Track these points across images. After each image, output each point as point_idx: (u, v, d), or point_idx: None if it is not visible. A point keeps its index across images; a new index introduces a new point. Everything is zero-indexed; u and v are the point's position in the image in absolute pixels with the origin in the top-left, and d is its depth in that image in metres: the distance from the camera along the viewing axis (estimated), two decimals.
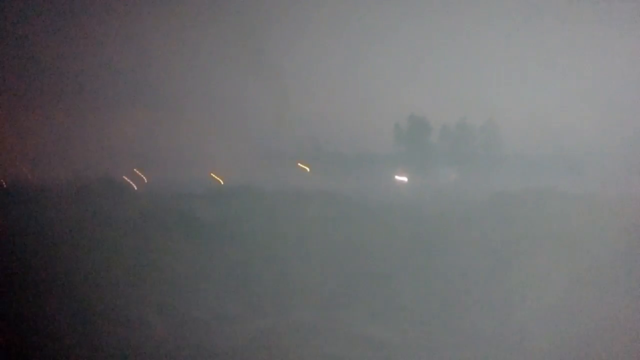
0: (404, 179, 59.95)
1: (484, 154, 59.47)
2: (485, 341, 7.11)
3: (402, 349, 7.02)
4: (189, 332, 7.74)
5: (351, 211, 26.26)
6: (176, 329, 7.89)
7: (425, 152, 60.49)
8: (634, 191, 26.46)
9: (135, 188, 37.61)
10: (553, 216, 22.10)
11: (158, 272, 11.74)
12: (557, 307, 8.65)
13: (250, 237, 16.91)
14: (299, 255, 14.38)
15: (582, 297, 9.24)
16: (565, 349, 6.81)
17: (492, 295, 9.71)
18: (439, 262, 12.77)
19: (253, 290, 10.15)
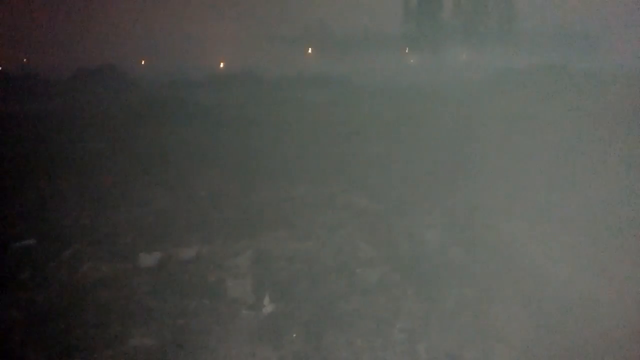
0: (413, 59, 58.05)
1: (497, 30, 56.66)
2: (471, 220, 7.39)
3: (386, 216, 7.44)
4: (192, 207, 8.22)
5: (358, 94, 26.01)
6: (179, 204, 8.36)
7: (436, 30, 57.80)
8: None
9: (133, 76, 37.22)
10: (568, 93, 21.71)
11: (161, 157, 12.10)
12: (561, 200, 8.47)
13: (253, 122, 17.05)
14: (305, 136, 14.57)
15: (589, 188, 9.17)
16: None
17: (493, 171, 9.88)
18: (445, 143, 12.91)
19: (254, 171, 10.51)
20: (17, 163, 11.34)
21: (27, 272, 6.03)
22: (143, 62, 58.04)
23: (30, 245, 6.88)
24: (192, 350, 4.27)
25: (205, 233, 6.87)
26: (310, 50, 64.36)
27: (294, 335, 4.44)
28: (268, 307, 4.91)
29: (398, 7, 60.30)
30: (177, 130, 14.77)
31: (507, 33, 56.40)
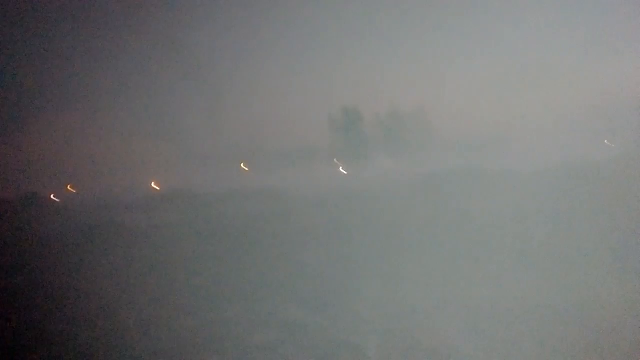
0: (342, 170, 60.71)
1: (416, 140, 61.35)
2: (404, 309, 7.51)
3: (326, 329, 7.36)
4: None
5: (293, 205, 26.44)
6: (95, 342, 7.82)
7: (360, 141, 61.59)
8: (553, 170, 28.23)
9: (62, 203, 35.95)
10: (487, 191, 23.32)
11: (85, 287, 11.46)
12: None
13: (191, 239, 16.74)
14: (239, 250, 14.42)
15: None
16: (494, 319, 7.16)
17: (426, 272, 10.15)
18: (376, 247, 13.23)
19: (185, 293, 10.16)
20: None
21: None
22: (70, 188, 56.23)
23: None
24: None
25: None
26: (243, 166, 65.77)
27: None
28: None
29: (325, 122, 64.20)
30: (106, 257, 14.16)
31: (426, 141, 61.16)
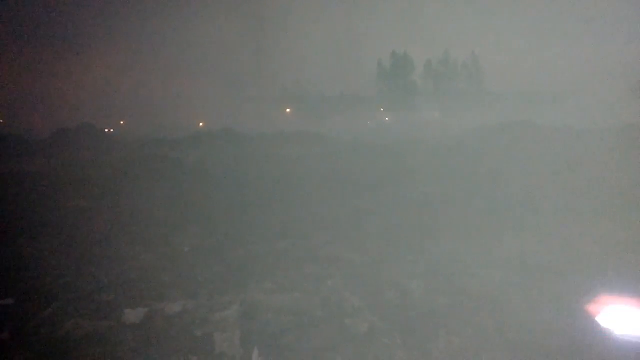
0: (387, 117, 60.02)
1: (466, 90, 59.50)
2: (457, 276, 7.54)
3: (371, 267, 7.53)
4: (176, 263, 8.17)
5: (334, 149, 26.60)
6: (162, 261, 8.30)
7: (409, 91, 60.34)
8: (609, 124, 27.24)
9: (114, 135, 37.67)
10: (534, 148, 22.71)
11: (142, 213, 12.05)
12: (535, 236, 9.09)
13: (234, 177, 17.21)
14: (284, 190, 14.73)
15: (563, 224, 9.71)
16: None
17: (471, 223, 10.17)
18: (422, 196, 13.25)
19: (234, 226, 10.58)
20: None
21: (5, 332, 5.87)
22: (122, 123, 58.80)
23: (9, 305, 6.70)
24: None
25: (191, 288, 6.84)
26: (288, 110, 66.08)
27: None
28: None
29: (372, 70, 63.19)
30: (158, 187, 14.80)
31: (476, 93, 59.29)
